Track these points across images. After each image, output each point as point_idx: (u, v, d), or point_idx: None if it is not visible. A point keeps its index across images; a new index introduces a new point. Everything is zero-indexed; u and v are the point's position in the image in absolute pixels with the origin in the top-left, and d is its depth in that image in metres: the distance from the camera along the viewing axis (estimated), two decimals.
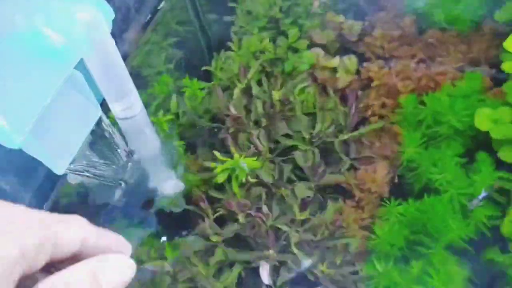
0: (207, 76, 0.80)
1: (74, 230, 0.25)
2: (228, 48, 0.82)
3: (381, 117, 0.74)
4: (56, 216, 0.25)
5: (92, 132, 0.52)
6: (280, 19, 0.82)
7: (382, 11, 0.84)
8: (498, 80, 0.70)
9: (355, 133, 0.69)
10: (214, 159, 0.69)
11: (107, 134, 0.53)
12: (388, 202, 0.64)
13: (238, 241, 0.65)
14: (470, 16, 0.78)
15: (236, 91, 0.74)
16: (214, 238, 0.64)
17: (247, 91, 0.76)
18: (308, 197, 0.64)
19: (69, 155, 0.49)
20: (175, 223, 0.69)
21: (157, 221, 0.68)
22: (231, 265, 0.64)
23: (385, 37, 0.80)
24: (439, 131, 0.67)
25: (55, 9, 0.48)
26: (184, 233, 0.67)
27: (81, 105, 0.51)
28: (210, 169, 0.68)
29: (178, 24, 0.80)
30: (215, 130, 0.73)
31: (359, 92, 0.75)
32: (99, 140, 0.53)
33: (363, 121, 0.73)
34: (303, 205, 0.62)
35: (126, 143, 0.56)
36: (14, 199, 0.52)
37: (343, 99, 0.75)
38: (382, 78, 0.76)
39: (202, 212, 0.66)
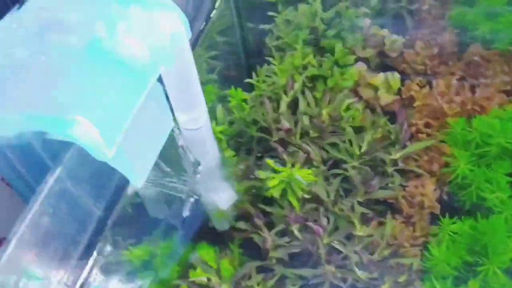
0: (245, 86, 0.79)
1: None
2: (266, 60, 0.81)
3: (427, 135, 0.75)
4: None
5: (165, 144, 0.50)
6: (322, 30, 0.82)
7: (423, 25, 0.84)
8: None
9: (407, 150, 0.69)
10: (264, 168, 0.68)
11: (178, 146, 0.51)
12: (440, 220, 0.65)
13: (293, 256, 0.64)
14: None
15: (283, 104, 0.73)
16: (272, 254, 0.63)
17: (291, 104, 0.76)
18: (368, 213, 0.64)
19: (147, 167, 0.48)
20: (222, 236, 0.68)
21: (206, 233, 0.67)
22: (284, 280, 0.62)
23: (426, 54, 0.81)
24: (489, 151, 0.68)
25: (138, 18, 0.47)
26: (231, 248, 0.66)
27: (157, 115, 0.50)
28: (260, 180, 0.67)
29: (221, 33, 0.79)
30: (263, 140, 0.72)
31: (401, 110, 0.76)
32: (171, 151, 0.51)
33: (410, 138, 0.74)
34: (364, 221, 0.62)
35: (192, 154, 0.54)
36: (89, 210, 0.50)
37: (386, 115, 0.76)
38: (424, 99, 0.77)
39: (256, 228, 0.64)
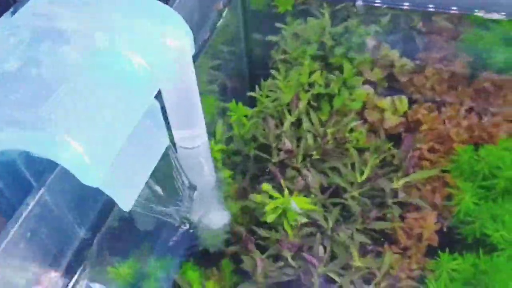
0: (246, 100, 0.77)
1: None
2: (270, 73, 0.79)
3: (431, 161, 0.72)
4: None
5: (158, 164, 0.47)
6: (330, 46, 0.79)
7: (435, 47, 0.82)
8: None
9: (408, 178, 0.67)
10: (259, 191, 0.66)
11: (173, 167, 0.49)
12: (438, 254, 0.62)
13: (285, 283, 0.61)
14: None
15: (286, 123, 0.71)
16: (260, 280, 0.60)
17: (295, 123, 0.73)
18: (366, 243, 0.61)
19: (137, 189, 0.45)
20: (212, 257, 0.65)
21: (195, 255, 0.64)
22: None
23: (436, 79, 0.79)
24: (497, 184, 0.66)
25: (141, 31, 0.44)
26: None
27: (152, 133, 0.47)
28: (255, 203, 0.65)
29: (226, 43, 0.77)
30: (262, 160, 0.70)
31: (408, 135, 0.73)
32: (164, 172, 0.48)
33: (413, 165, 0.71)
34: (363, 252, 0.59)
35: (187, 176, 0.51)
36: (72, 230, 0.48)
37: (390, 138, 0.73)
38: (431, 123, 0.75)
39: (248, 252, 0.62)
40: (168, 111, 0.49)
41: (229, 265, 0.63)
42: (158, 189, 0.48)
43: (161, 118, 0.47)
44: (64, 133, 0.37)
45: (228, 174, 0.65)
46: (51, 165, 0.42)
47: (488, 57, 0.79)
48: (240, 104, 0.73)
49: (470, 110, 0.76)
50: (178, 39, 0.45)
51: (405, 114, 0.77)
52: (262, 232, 0.63)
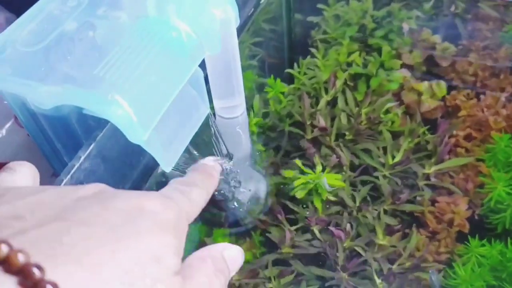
0: (284, 78, 0.78)
1: None
2: (308, 52, 0.79)
3: (466, 149, 0.72)
4: None
5: (198, 130, 0.49)
6: (371, 29, 0.79)
7: (478, 35, 0.81)
8: None
9: (441, 165, 0.67)
10: (292, 167, 0.68)
11: (212, 134, 0.51)
12: (467, 240, 0.62)
13: (309, 256, 0.63)
14: None
15: (322, 101, 0.72)
16: (286, 250, 0.63)
17: (330, 101, 0.74)
18: (393, 224, 0.62)
19: (178, 152, 0.47)
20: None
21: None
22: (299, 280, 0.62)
23: (478, 66, 0.78)
24: None
25: (188, 1, 0.46)
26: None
27: (193, 100, 0.49)
28: (286, 178, 0.66)
29: (268, 21, 0.78)
30: (295, 137, 0.71)
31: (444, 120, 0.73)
32: (203, 139, 0.51)
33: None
34: (389, 232, 0.60)
35: (225, 145, 0.53)
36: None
37: (426, 123, 0.73)
38: (470, 110, 0.74)
39: (278, 223, 0.64)
40: (210, 80, 0.51)
41: (258, 235, 0.66)
42: (197, 154, 0.50)
43: (204, 86, 0.49)
44: (115, 92, 0.39)
45: (263, 148, 0.67)
46: (100, 125, 0.45)
47: None
48: (278, 80, 0.74)
49: (510, 99, 0.75)
50: (224, 9, 0.46)
51: (443, 99, 0.77)
52: (292, 207, 0.65)
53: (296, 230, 0.64)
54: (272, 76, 0.74)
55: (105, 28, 0.44)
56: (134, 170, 0.51)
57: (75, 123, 0.43)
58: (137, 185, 0.51)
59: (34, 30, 0.42)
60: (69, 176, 0.40)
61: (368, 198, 0.66)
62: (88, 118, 0.43)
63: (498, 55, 0.78)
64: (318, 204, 0.63)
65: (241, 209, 0.62)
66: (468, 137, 0.73)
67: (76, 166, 0.40)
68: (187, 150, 0.49)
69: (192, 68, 0.45)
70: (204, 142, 0.51)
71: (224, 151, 0.52)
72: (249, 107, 0.72)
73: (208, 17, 0.46)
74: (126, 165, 0.50)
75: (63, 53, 0.42)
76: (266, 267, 0.62)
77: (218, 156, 0.52)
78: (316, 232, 0.63)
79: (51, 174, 0.80)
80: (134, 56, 0.42)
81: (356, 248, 0.62)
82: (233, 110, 0.54)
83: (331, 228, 0.61)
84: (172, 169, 0.48)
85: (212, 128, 0.51)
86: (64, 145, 0.46)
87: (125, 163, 0.50)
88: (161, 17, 0.45)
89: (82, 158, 0.41)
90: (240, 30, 0.68)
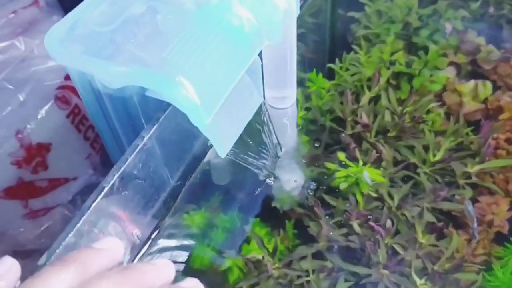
0: (325, 72, 0.78)
1: None
2: (350, 48, 0.79)
3: (507, 151, 0.71)
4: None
5: (251, 119, 0.50)
6: (415, 27, 0.78)
7: None
8: None
9: (485, 165, 0.67)
10: (331, 161, 0.68)
11: (264, 123, 0.51)
12: (506, 241, 0.62)
13: (344, 251, 0.63)
14: None
15: (365, 98, 0.72)
16: (322, 244, 0.63)
17: (372, 98, 0.74)
18: (434, 222, 0.62)
19: (233, 138, 0.48)
20: (279, 217, 0.68)
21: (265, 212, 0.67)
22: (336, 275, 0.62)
23: None
24: None
25: None
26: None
27: (250, 89, 0.49)
28: (327, 170, 0.66)
29: (312, 15, 0.78)
30: (335, 132, 0.71)
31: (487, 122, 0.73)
32: (255, 127, 0.51)
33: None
34: (429, 230, 0.60)
35: (275, 134, 0.54)
36: (167, 174, 0.51)
37: (467, 124, 0.73)
38: None
39: (315, 217, 0.64)
40: (265, 69, 0.52)
41: (293, 227, 0.66)
42: (250, 141, 0.51)
43: (260, 75, 0.50)
44: (181, 75, 0.40)
45: (307, 139, 0.67)
46: (160, 108, 0.46)
47: None
48: (320, 75, 0.74)
49: None
50: (287, 0, 0.47)
51: (484, 101, 0.76)
52: (331, 200, 0.65)
53: (333, 223, 0.64)
54: (314, 70, 0.74)
55: (170, 13, 0.44)
56: (186, 156, 0.51)
57: (137, 105, 0.44)
58: (187, 172, 0.52)
59: (104, 11, 0.43)
60: (134, 155, 0.41)
61: (409, 194, 0.66)
62: (149, 100, 0.44)
63: None
64: (359, 198, 0.63)
65: (278, 193, 0.62)
66: (509, 140, 0.72)
67: (139, 146, 0.41)
68: (240, 137, 0.50)
69: (252, 56, 0.46)
70: (256, 130, 0.52)
71: (275, 141, 0.53)
72: None
73: (271, 6, 0.46)
74: (180, 151, 0.51)
75: (130, 35, 0.43)
76: (301, 259, 0.62)
77: (268, 143, 0.52)
78: (356, 226, 0.63)
79: (85, 157, 0.81)
80: (198, 42, 0.43)
81: (395, 246, 0.62)
82: (284, 101, 0.55)
83: (371, 223, 0.61)
84: (227, 155, 0.49)
85: (264, 117, 0.52)
86: (123, 125, 0.47)
87: (179, 149, 0.50)
88: (224, 4, 0.46)
89: (146, 138, 0.42)
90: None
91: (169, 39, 0.42)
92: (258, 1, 0.46)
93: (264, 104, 0.52)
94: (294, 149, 0.62)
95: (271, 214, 0.67)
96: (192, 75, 0.41)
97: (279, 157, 0.55)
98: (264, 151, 0.54)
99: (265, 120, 0.52)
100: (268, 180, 0.58)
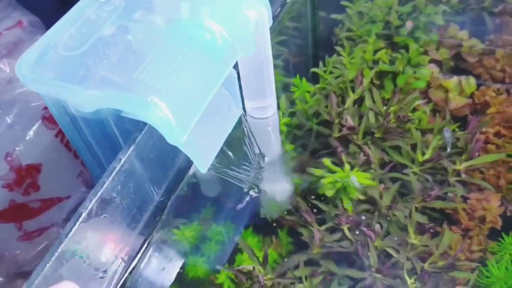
0: (309, 77, 0.78)
1: None
2: (333, 51, 0.79)
3: (496, 146, 0.71)
4: None
5: (231, 131, 0.50)
6: (396, 26, 0.78)
7: (506, 30, 0.79)
8: None
9: (474, 161, 0.66)
10: (318, 166, 0.67)
11: (245, 134, 0.51)
12: (500, 237, 0.62)
13: (338, 256, 0.63)
14: None
15: (349, 100, 0.71)
16: (316, 250, 0.62)
17: (357, 100, 0.74)
18: (424, 222, 0.62)
19: (213, 153, 0.48)
20: (270, 227, 0.68)
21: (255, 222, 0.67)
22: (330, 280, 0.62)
23: (506, 61, 0.76)
24: None
25: (221, 3, 0.46)
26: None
27: (226, 101, 0.49)
28: (314, 177, 0.66)
29: (292, 19, 0.78)
30: (322, 135, 0.71)
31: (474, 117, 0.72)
32: (236, 139, 0.51)
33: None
34: (420, 230, 0.60)
35: (257, 145, 0.54)
36: (151, 191, 0.51)
37: (454, 120, 0.73)
38: (500, 106, 0.73)
39: (306, 223, 0.64)
40: (242, 81, 0.51)
41: (286, 235, 0.66)
42: (231, 154, 0.51)
43: (237, 87, 0.50)
44: (154, 95, 0.40)
45: (292, 147, 0.67)
46: (137, 128, 0.46)
47: None
48: (304, 79, 0.74)
49: None
50: (258, 11, 0.46)
51: (471, 96, 0.76)
52: (321, 205, 0.64)
53: (325, 229, 0.64)
54: (297, 75, 0.74)
55: (141, 32, 0.44)
56: (169, 171, 0.51)
57: (113, 126, 0.44)
58: (172, 186, 0.51)
59: (73, 34, 0.43)
60: (111, 178, 0.41)
61: (397, 196, 0.66)
62: (125, 121, 0.44)
63: None
64: (347, 203, 0.62)
65: (265, 202, 0.62)
66: (498, 134, 0.72)
67: (117, 168, 0.41)
68: (221, 151, 0.50)
69: (226, 70, 0.45)
70: (237, 143, 0.52)
71: (257, 151, 0.53)
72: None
73: (242, 19, 0.46)
74: (162, 167, 0.50)
75: (101, 57, 0.42)
76: (296, 267, 0.62)
77: (250, 155, 0.52)
78: (346, 231, 0.63)
79: (77, 175, 0.81)
80: (170, 59, 0.43)
81: (387, 249, 0.61)
82: (265, 111, 0.54)
83: (362, 228, 0.61)
84: (208, 170, 0.49)
85: (244, 129, 0.51)
86: (102, 147, 0.47)
87: (161, 165, 0.50)
88: (195, 19, 0.45)
89: (123, 160, 0.42)
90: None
91: (141, 58, 0.42)
92: (229, 14, 0.46)
93: (244, 115, 0.51)
94: (279, 158, 0.62)
95: (263, 223, 0.67)
96: (165, 93, 0.40)
97: (263, 168, 0.55)
98: (247, 163, 0.54)
99: (246, 131, 0.51)
100: (251, 192, 0.58)
